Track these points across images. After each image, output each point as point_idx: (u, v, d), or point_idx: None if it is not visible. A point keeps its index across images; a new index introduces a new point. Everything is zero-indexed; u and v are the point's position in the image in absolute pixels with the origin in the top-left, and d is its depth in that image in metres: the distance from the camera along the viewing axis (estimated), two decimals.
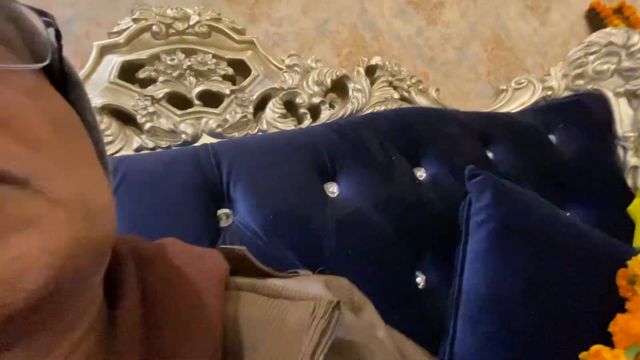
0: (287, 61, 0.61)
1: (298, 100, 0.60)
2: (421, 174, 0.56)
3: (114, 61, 0.52)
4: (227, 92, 0.56)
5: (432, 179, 0.56)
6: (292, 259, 0.42)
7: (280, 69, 0.61)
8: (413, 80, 0.70)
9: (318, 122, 0.61)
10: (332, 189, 0.50)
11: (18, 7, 0.18)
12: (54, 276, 0.13)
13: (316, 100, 0.61)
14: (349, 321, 0.24)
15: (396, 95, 0.67)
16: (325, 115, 0.61)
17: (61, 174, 0.15)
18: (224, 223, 0.45)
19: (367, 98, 0.65)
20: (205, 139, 0.54)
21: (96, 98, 0.50)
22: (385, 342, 0.26)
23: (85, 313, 0.18)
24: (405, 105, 0.68)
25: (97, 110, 0.49)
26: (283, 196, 0.46)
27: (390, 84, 0.68)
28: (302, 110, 0.61)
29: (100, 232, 0.16)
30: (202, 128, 0.54)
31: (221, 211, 0.45)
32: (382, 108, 0.65)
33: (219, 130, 0.55)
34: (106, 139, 0.49)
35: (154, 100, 0.52)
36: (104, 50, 0.52)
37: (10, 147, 0.14)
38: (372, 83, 0.68)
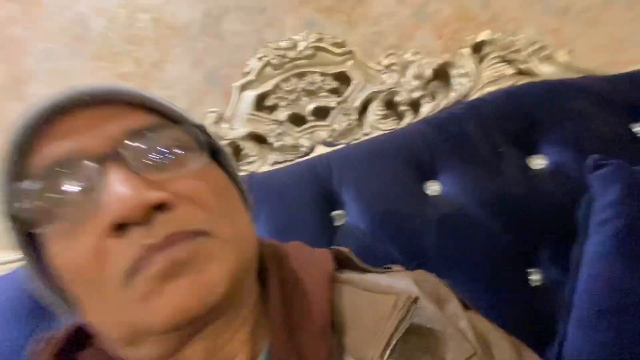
0: (384, 61, 0.64)
1: (397, 98, 0.63)
2: (539, 162, 0.52)
3: (249, 96, 0.67)
4: (333, 104, 0.64)
5: (555, 167, 0.51)
6: (396, 255, 0.49)
7: (379, 71, 0.64)
8: (534, 47, 0.61)
9: (420, 117, 0.63)
10: (434, 188, 0.53)
11: (189, 127, 0.31)
12: (228, 285, 0.25)
13: (416, 94, 0.63)
14: (430, 312, 0.30)
15: (510, 71, 0.61)
16: (426, 108, 0.62)
17: (225, 223, 0.27)
18: (338, 223, 0.55)
19: (474, 81, 0.62)
20: (319, 149, 0.64)
21: (242, 128, 0.66)
22: (466, 331, 0.30)
23: (248, 298, 0.30)
24: (524, 80, 0.61)
25: (243, 137, 0.66)
26: (386, 198, 0.52)
27: (503, 58, 0.62)
28: (402, 108, 0.63)
29: (247, 254, 0.29)
30: (316, 140, 0.65)
31: (335, 213, 0.55)
32: (494, 88, 0.61)
33: (330, 139, 0.64)
34: (251, 159, 0.66)
35: (279, 122, 0.66)
36: (242, 89, 0.68)
37: (197, 215, 0.26)
38: (480, 61, 0.63)
